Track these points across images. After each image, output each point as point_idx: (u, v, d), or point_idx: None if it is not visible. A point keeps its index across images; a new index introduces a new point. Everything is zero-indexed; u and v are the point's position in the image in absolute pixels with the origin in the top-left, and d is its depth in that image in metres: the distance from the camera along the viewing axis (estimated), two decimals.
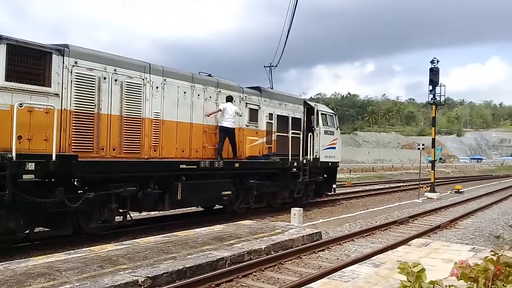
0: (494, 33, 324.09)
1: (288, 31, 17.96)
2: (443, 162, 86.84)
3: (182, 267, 6.46)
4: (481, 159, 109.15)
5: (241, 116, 12.92)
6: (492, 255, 1.62)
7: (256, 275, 6.95)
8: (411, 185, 29.12)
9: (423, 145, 22.57)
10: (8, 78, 7.71)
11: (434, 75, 22.47)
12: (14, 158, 7.27)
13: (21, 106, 7.62)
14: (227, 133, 12.26)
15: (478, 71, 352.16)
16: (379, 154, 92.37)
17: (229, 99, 12.43)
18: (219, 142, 12.13)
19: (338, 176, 21.54)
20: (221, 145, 12.12)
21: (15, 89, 7.77)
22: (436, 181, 24.59)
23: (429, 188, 22.87)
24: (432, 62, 22.53)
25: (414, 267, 1.59)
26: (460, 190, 24.69)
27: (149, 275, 5.95)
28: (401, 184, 31.84)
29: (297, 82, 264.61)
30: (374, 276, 5.38)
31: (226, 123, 12.10)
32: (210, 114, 11.98)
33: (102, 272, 6.07)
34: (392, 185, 31.01)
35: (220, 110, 12.07)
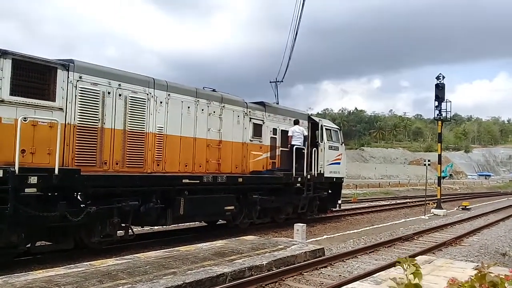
0: (501, 49, 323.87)
1: (292, 46, 18.08)
2: (452, 179, 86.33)
3: (182, 282, 6.41)
4: (489, 175, 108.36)
5: (306, 135, 14.83)
6: (478, 273, 1.59)
7: None
8: (418, 201, 28.86)
9: (429, 161, 22.42)
10: (13, 92, 7.80)
11: (440, 91, 22.46)
12: (16, 171, 7.31)
13: (25, 120, 7.69)
14: (296, 151, 14.14)
15: (485, 87, 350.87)
16: (386, 170, 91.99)
17: (296, 122, 14.71)
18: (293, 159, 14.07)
19: (344, 192, 21.44)
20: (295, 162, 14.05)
21: (19, 103, 7.85)
22: (443, 197, 24.41)
23: (435, 205, 22.67)
24: (437, 78, 22.55)
25: (412, 263, 1.57)
26: (467, 207, 24.42)
27: None
28: (407, 200, 31.58)
29: (304, 97, 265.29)
30: None
31: (295, 142, 14.21)
32: (290, 142, 14.26)
33: (100, 287, 6.03)
34: (398, 201, 30.77)
35: (291, 136, 14.29)
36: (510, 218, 19.95)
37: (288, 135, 14.48)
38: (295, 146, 14.44)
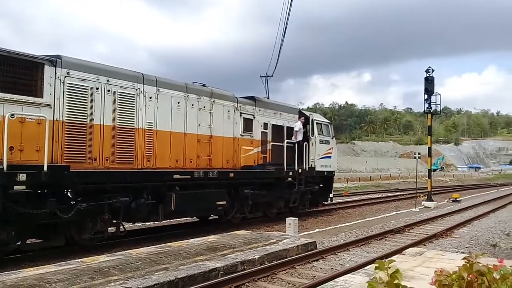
0: (490, 42, 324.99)
1: (282, 41, 18.04)
2: (444, 171, 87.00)
3: (174, 278, 6.40)
4: (479, 167, 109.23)
5: (299, 130, 15.10)
6: (466, 262, 1.59)
7: (249, 286, 6.89)
8: (409, 194, 29.06)
9: (419, 154, 22.57)
10: None
11: (429, 84, 22.52)
12: (5, 169, 7.25)
13: (12, 117, 7.60)
14: (293, 146, 14.79)
15: (475, 80, 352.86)
16: (377, 163, 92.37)
17: (299, 116, 15.59)
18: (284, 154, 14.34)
19: (335, 185, 21.52)
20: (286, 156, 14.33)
21: (6, 99, 7.75)
22: (433, 190, 24.59)
23: (426, 197, 22.84)
24: (427, 71, 22.60)
25: (389, 264, 1.58)
26: (457, 199, 24.63)
27: (140, 286, 5.88)
28: (398, 193, 31.79)
29: (295, 92, 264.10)
30: (366, 285, 5.33)
31: (299, 137, 14.98)
32: (295, 137, 14.98)
33: (92, 283, 6.00)
34: (389, 194, 30.97)
35: (297, 131, 15.02)
36: (500, 210, 20.18)
37: (294, 130, 15.06)
38: (286, 141, 14.49)
